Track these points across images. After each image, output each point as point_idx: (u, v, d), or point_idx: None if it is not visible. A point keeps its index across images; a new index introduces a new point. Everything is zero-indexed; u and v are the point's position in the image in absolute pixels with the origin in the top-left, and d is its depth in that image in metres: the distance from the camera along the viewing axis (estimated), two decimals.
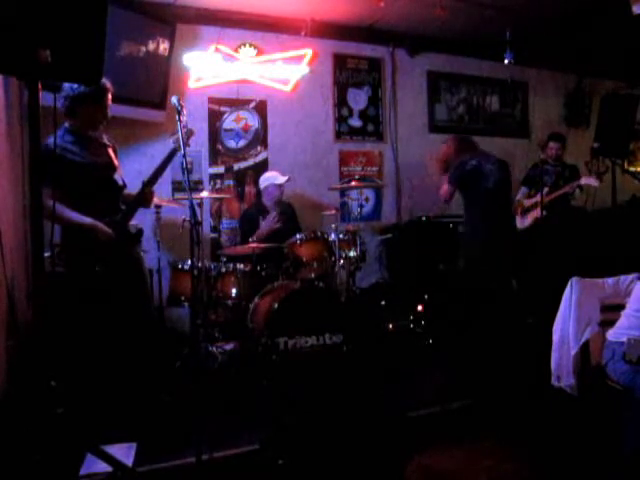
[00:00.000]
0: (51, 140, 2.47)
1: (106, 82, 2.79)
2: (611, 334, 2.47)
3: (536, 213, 4.88)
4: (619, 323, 2.47)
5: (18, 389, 2.84)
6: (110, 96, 2.88)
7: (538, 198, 4.87)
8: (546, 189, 4.86)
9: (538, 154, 4.89)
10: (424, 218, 5.21)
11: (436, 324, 4.36)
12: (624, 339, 2.32)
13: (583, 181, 4.78)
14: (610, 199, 5.05)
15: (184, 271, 3.75)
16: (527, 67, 6.08)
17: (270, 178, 4.48)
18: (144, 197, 3.01)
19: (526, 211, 5.04)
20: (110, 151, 3.01)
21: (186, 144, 2.75)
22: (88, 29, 1.95)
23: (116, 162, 3.03)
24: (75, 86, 2.71)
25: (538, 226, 4.87)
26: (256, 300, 3.79)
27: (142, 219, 3.43)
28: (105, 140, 3.02)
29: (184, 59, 4.53)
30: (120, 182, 3.01)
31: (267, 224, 4.32)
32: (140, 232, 3.07)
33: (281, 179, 4.42)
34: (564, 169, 4.99)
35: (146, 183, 2.98)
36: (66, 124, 2.84)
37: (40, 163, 2.04)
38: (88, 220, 2.77)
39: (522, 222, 5.08)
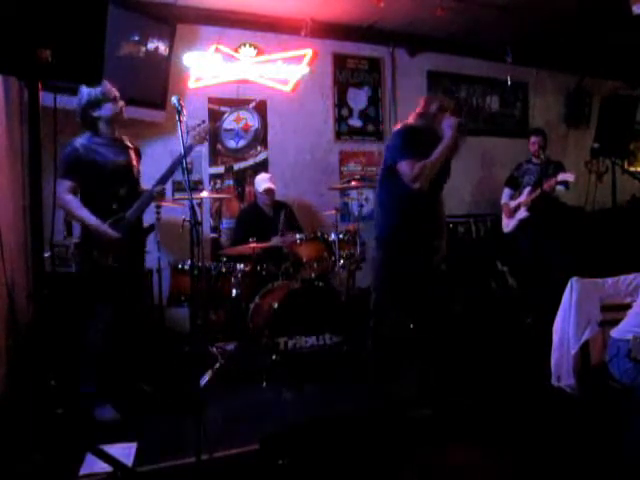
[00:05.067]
0: (77, 141, 2.89)
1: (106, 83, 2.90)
2: (616, 332, 2.45)
3: (520, 215, 4.86)
4: (625, 321, 2.46)
5: (18, 389, 2.84)
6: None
7: (521, 199, 4.87)
8: (529, 188, 4.83)
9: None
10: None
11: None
12: (629, 337, 2.32)
13: (560, 177, 4.60)
14: (610, 199, 5.04)
15: (184, 271, 3.74)
16: (527, 67, 6.07)
17: (257, 182, 4.49)
18: (153, 195, 3.10)
19: (512, 213, 4.96)
20: (132, 152, 3.15)
21: (204, 139, 3.11)
22: (88, 29, 1.95)
23: (134, 162, 3.14)
24: (92, 92, 2.87)
25: (523, 227, 4.84)
26: (256, 300, 3.79)
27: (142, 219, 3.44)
28: (127, 142, 3.16)
29: (184, 59, 4.53)
30: (138, 182, 3.16)
31: (279, 241, 4.20)
32: (151, 227, 3.29)
33: (264, 185, 4.39)
34: (548, 166, 4.82)
35: (158, 181, 3.08)
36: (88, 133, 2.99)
37: (39, 162, 2.05)
38: (93, 221, 2.88)
39: (508, 224, 5.01)
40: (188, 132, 3.06)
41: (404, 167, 2.84)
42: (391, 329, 3.08)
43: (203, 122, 3.09)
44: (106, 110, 2.94)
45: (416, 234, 2.99)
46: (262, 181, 4.46)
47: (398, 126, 3.06)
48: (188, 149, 3.06)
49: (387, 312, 3.10)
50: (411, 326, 3.13)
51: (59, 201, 2.80)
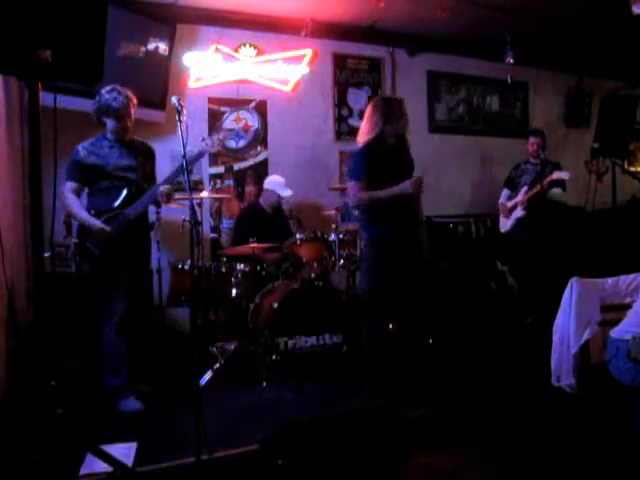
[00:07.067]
0: (81, 144, 3.06)
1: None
2: (615, 331, 2.46)
3: (516, 214, 4.86)
4: (625, 320, 2.47)
5: (18, 389, 2.85)
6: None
7: (518, 199, 4.88)
8: (525, 188, 4.84)
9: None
10: (424, 218, 5.20)
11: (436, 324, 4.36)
12: (629, 337, 2.32)
13: (555, 176, 4.58)
14: (610, 199, 5.04)
15: (184, 271, 3.75)
16: (527, 67, 6.06)
17: (276, 185, 4.43)
18: (155, 194, 3.13)
19: (509, 212, 4.96)
20: (141, 155, 3.23)
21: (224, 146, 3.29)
22: (88, 29, 1.95)
23: (142, 165, 3.21)
24: (107, 100, 3.01)
25: (520, 227, 4.84)
26: (256, 300, 3.79)
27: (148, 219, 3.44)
28: (138, 145, 3.25)
29: (184, 59, 4.53)
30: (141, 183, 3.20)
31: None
32: (151, 226, 3.37)
33: (284, 192, 4.39)
34: (545, 166, 4.77)
35: (163, 181, 3.14)
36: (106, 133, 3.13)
37: (39, 162, 2.07)
38: (92, 220, 3.01)
39: (505, 225, 5.01)
40: (203, 139, 3.17)
41: (351, 188, 3.17)
42: (376, 327, 3.21)
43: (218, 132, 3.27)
44: (110, 122, 3.08)
45: (390, 234, 3.16)
46: (281, 186, 4.41)
47: (358, 143, 3.33)
48: (199, 155, 3.17)
49: (372, 310, 3.22)
50: (390, 325, 3.30)
51: (63, 199, 3.02)
